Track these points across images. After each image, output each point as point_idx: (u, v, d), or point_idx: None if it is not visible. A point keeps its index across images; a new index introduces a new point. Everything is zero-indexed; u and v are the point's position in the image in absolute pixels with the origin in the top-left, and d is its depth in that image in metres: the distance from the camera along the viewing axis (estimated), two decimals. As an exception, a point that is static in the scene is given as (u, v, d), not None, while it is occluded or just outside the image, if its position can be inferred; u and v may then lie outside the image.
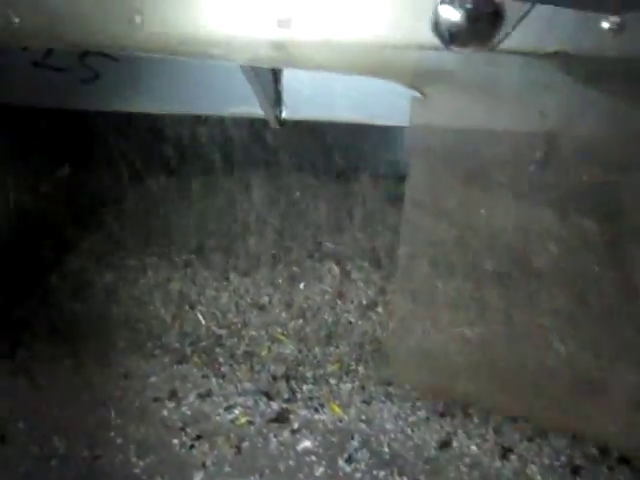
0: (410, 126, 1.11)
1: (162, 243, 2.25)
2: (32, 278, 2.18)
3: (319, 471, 1.61)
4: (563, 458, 1.61)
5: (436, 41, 0.84)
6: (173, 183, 2.34)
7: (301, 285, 2.09)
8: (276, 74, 1.50)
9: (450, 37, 0.76)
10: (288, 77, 1.53)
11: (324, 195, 2.29)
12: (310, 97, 1.54)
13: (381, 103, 1.47)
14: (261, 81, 1.43)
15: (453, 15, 0.74)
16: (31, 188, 2.25)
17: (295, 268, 2.14)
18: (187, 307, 2.10)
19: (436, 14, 0.75)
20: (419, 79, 0.94)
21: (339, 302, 2.04)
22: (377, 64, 0.95)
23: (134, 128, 2.04)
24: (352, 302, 2.02)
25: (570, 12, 0.89)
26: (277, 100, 1.54)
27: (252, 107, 1.58)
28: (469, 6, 0.73)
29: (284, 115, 1.58)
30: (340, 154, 2.25)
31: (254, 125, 1.92)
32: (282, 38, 0.99)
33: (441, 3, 0.75)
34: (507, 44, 0.88)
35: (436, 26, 0.76)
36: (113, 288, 2.18)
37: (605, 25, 0.89)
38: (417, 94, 1.05)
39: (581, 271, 1.18)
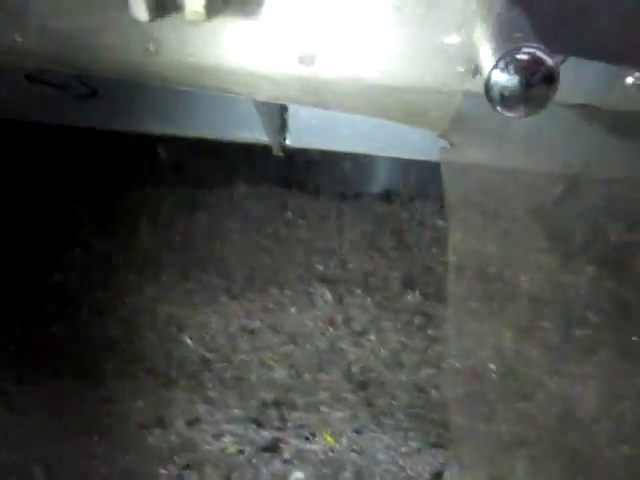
0: (443, 175, 1.10)
1: (150, 263, 2.19)
2: (9, 296, 2.10)
3: (311, 504, 1.59)
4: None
5: (470, 87, 0.84)
6: (162, 203, 2.29)
7: (292, 309, 2.06)
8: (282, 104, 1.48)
9: (503, 102, 0.76)
10: (294, 106, 1.52)
11: (316, 216, 2.27)
12: (316, 125, 1.52)
13: (388, 134, 1.47)
14: (268, 107, 1.41)
15: (507, 81, 0.74)
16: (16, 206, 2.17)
17: (287, 291, 2.11)
18: (175, 329, 2.05)
19: (489, 78, 0.75)
20: (450, 127, 0.93)
21: (330, 328, 2.02)
22: (408, 110, 0.94)
23: (130, 148, 1.98)
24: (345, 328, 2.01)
25: (596, 67, 0.90)
26: (282, 127, 1.52)
27: (254, 133, 1.56)
28: (524, 71, 0.73)
29: (288, 142, 1.56)
30: (332, 176, 2.25)
31: (253, 150, 1.90)
32: (306, 76, 0.97)
33: (494, 67, 0.74)
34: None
35: (488, 90, 0.76)
36: (97, 308, 2.12)
37: (629, 80, 0.91)
38: (446, 143, 1.05)
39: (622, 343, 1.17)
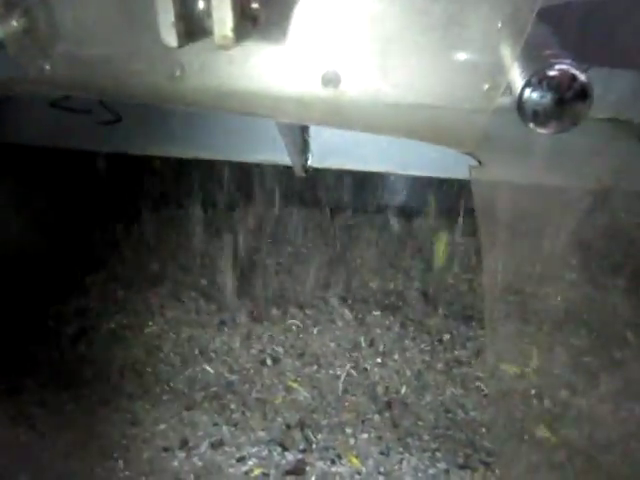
0: (474, 193, 1.10)
1: (171, 285, 2.20)
2: (32, 319, 2.11)
3: (339, 529, 1.56)
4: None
5: (497, 105, 0.83)
6: (182, 225, 2.31)
7: (314, 330, 2.05)
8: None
9: (535, 119, 0.75)
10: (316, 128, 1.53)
11: (335, 235, 2.27)
12: (338, 145, 1.52)
13: (410, 152, 1.47)
14: (290, 128, 1.41)
15: (540, 98, 0.73)
16: (35, 227, 2.19)
17: (308, 312, 2.10)
18: (197, 352, 2.05)
19: (521, 95, 0.74)
20: (478, 145, 0.93)
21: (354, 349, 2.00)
22: (434, 129, 0.94)
23: (154, 172, 2.01)
24: (368, 349, 1.99)
25: (623, 80, 0.89)
26: (304, 148, 1.52)
27: (276, 154, 1.56)
28: (557, 88, 0.72)
29: (310, 163, 1.56)
30: (351, 194, 2.25)
31: (275, 171, 1.91)
32: (330, 97, 0.97)
33: (526, 85, 0.74)
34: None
35: (521, 108, 0.75)
36: (119, 331, 2.12)
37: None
38: (471, 161, 1.04)
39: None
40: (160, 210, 2.25)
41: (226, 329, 2.09)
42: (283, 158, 1.55)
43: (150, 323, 2.14)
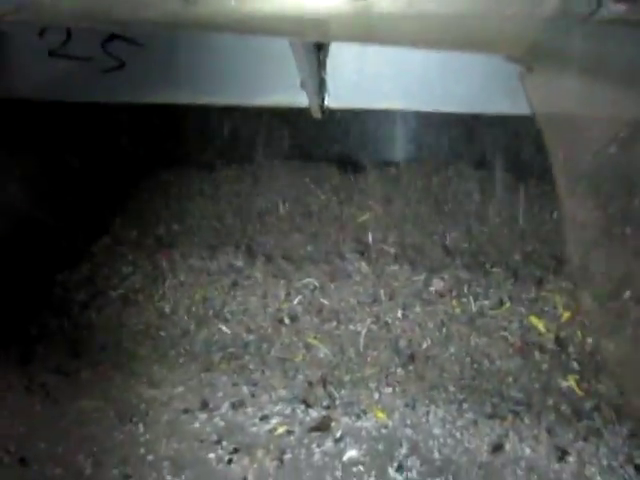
0: (529, 96, 1.02)
1: (179, 245, 2.13)
2: (43, 286, 2.05)
3: (369, 481, 1.52)
4: (621, 457, 1.55)
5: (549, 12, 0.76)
6: (188, 181, 2.22)
7: (332, 286, 2.00)
8: (320, 59, 1.40)
9: None
10: (333, 63, 1.44)
11: (345, 188, 2.19)
12: (356, 83, 1.44)
13: (436, 89, 1.39)
14: (308, 64, 1.33)
15: None
16: (40, 189, 2.11)
17: (325, 267, 2.04)
18: (211, 313, 1.99)
19: None
20: (529, 52, 0.86)
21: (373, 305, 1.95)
22: (468, 38, 0.86)
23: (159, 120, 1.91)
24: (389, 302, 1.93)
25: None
26: (320, 87, 1.44)
27: (285, 96, 1.47)
28: None
29: (327, 103, 1.48)
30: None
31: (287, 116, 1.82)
32: (358, 10, 0.89)
33: None
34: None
35: None
36: (130, 296, 2.06)
37: None
38: (521, 68, 0.97)
39: None
40: (166, 167, 2.17)
41: (240, 289, 2.03)
42: (297, 99, 1.46)
43: (160, 287, 2.09)
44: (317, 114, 1.49)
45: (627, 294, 1.10)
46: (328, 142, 2.01)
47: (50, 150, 2.05)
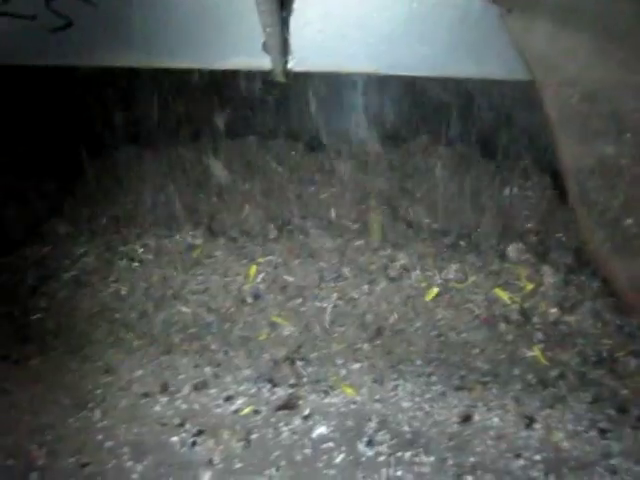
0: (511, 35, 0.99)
1: (134, 224, 2.03)
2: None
3: (339, 458, 1.48)
4: (585, 422, 1.57)
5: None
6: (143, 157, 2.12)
7: (296, 262, 1.94)
8: (283, 17, 1.33)
9: None
10: (297, 22, 1.37)
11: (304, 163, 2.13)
12: (321, 45, 1.38)
13: (402, 50, 1.35)
14: (271, 22, 1.26)
15: None
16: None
17: (288, 244, 1.98)
18: (170, 293, 1.91)
19: None
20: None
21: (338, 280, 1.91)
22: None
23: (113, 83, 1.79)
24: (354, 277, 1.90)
25: None
26: (283, 48, 1.37)
27: (247, 59, 1.40)
28: None
29: (290, 66, 1.41)
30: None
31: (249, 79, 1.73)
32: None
33: None
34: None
35: None
36: (83, 278, 1.96)
37: None
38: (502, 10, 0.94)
39: None
40: (119, 139, 2.05)
41: (200, 268, 1.96)
42: (258, 62, 1.38)
43: (114, 268, 1.99)
44: (280, 77, 1.42)
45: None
46: (291, 109, 1.94)
47: None
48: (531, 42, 1.03)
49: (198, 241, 2.02)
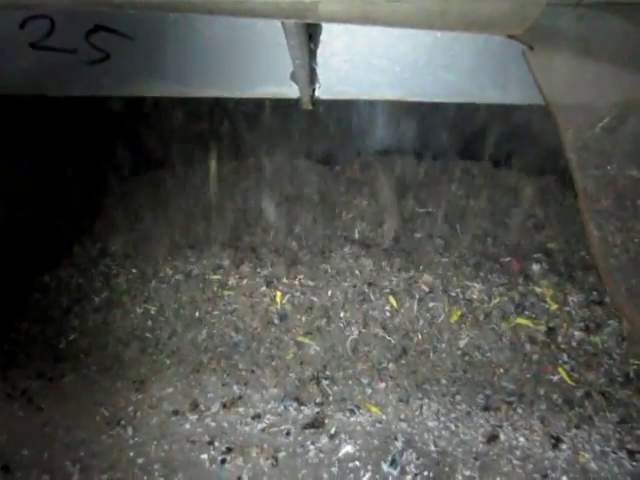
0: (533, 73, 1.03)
1: (165, 247, 2.09)
2: (23, 291, 1.98)
3: (366, 477, 1.50)
4: (613, 443, 1.56)
5: None
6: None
7: (321, 283, 1.98)
8: (311, 48, 1.39)
9: None
10: (324, 53, 1.43)
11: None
12: (347, 74, 1.43)
13: (425, 78, 1.39)
14: (300, 52, 1.32)
15: None
16: (20, 190, 2.03)
17: (314, 264, 2.02)
18: (198, 314, 1.96)
19: None
20: (527, 32, 0.86)
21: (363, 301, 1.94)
22: (469, 18, 0.86)
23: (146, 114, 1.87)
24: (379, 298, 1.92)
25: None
26: (311, 78, 1.42)
27: (275, 87, 1.46)
28: None
29: (317, 94, 1.46)
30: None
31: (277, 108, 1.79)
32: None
33: None
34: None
35: None
36: (113, 299, 2.01)
37: None
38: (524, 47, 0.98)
39: None
40: (151, 163, 2.11)
41: (228, 289, 2.00)
42: (286, 91, 1.44)
43: (145, 288, 2.04)
44: (308, 105, 1.47)
45: None
46: (318, 134, 1.99)
47: (33, 147, 1.99)
48: (551, 80, 1.06)
49: (225, 262, 2.07)
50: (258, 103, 1.82)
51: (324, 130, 2.02)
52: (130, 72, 1.47)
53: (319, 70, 1.44)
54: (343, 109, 1.81)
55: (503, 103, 1.40)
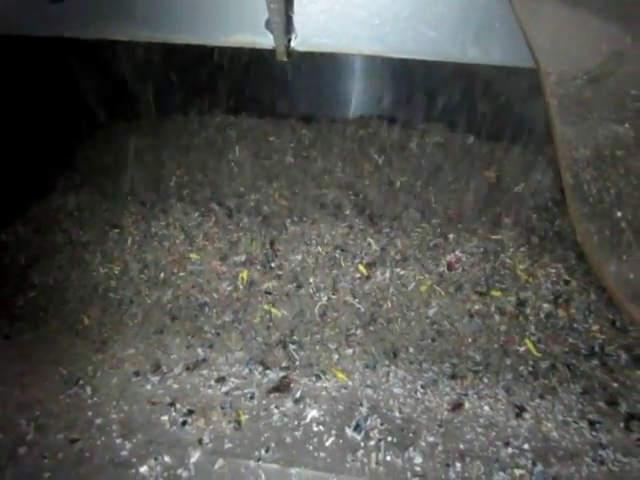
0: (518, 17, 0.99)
1: (129, 202, 2.00)
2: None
3: (329, 441, 1.48)
4: (575, 413, 1.58)
5: None
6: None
7: (291, 247, 1.93)
8: (288, -3, 1.31)
9: None
10: (301, 0, 1.35)
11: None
12: (325, 25, 1.36)
13: (403, 33, 1.33)
14: (271, 1, 1.24)
15: None
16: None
17: (283, 227, 1.97)
18: (163, 275, 1.90)
19: None
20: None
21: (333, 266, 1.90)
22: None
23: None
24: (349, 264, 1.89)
25: None
26: (287, 27, 1.35)
27: (250, 36, 1.38)
28: None
29: (293, 45, 1.39)
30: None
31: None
32: None
33: None
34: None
35: None
36: (76, 255, 1.94)
37: None
38: None
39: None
40: (117, 114, 2.01)
41: (194, 252, 1.95)
42: (262, 40, 1.37)
43: (108, 246, 1.98)
44: (283, 57, 1.40)
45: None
46: (292, 89, 1.92)
47: None
48: (537, 27, 1.02)
49: (193, 223, 2.00)
50: (231, 52, 1.73)
51: (299, 84, 1.95)
52: (95, 13, 1.38)
53: (296, 19, 1.37)
54: (319, 62, 1.74)
55: (485, 63, 1.36)
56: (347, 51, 1.41)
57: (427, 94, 2.01)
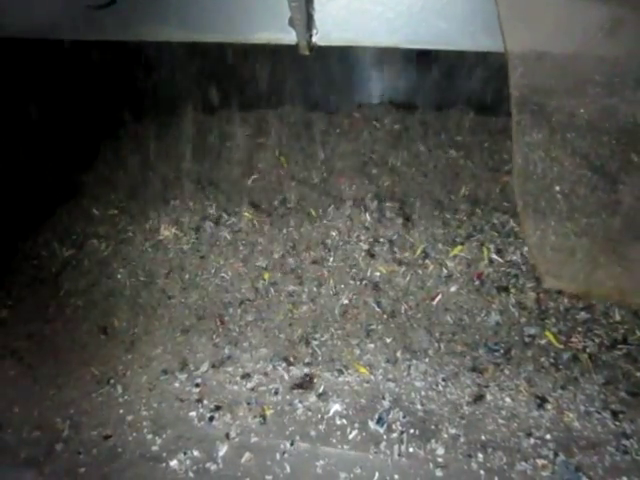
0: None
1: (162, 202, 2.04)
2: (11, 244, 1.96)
3: (352, 434, 1.52)
4: (597, 403, 1.58)
5: None
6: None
7: (312, 245, 1.97)
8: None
9: None
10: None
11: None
12: (344, 20, 1.41)
13: (418, 25, 1.36)
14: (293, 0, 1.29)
15: None
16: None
17: (305, 224, 2.01)
18: (188, 277, 1.96)
19: None
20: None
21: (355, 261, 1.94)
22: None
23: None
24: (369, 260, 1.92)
25: None
26: (308, 24, 1.40)
27: (274, 33, 1.43)
28: None
29: (315, 40, 1.44)
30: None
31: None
32: None
33: None
34: None
35: None
36: (105, 259, 2.01)
37: None
38: None
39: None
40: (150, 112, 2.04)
41: (218, 254, 2.00)
42: (284, 37, 1.41)
43: (137, 251, 2.04)
44: (305, 51, 1.45)
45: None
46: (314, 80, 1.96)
47: (29, 93, 1.93)
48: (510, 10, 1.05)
49: (216, 224, 2.05)
50: (257, 49, 1.77)
51: (320, 76, 1.99)
52: (132, 17, 1.43)
53: (316, 16, 1.41)
54: (340, 55, 1.78)
55: (496, 51, 1.37)
56: (364, 44, 1.45)
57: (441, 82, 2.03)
